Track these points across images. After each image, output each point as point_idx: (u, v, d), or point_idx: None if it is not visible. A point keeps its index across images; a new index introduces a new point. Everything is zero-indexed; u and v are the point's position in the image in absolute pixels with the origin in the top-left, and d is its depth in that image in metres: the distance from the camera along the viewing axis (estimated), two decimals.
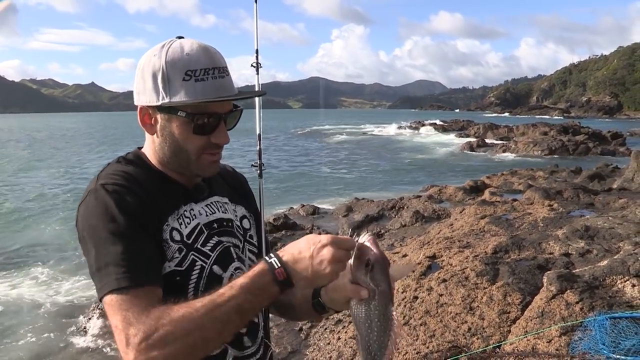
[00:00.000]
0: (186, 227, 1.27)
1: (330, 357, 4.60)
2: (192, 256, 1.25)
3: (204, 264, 1.26)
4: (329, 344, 4.90)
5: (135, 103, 1.28)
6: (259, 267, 1.09)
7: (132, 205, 1.17)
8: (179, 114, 1.22)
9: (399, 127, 58.19)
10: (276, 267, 1.08)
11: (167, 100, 1.21)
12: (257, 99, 1.61)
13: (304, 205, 12.30)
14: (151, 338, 1.00)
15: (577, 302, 3.90)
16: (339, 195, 16.16)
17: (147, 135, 1.32)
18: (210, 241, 1.31)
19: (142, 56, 1.26)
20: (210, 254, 1.29)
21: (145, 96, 1.24)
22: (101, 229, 1.14)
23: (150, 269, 1.14)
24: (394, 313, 1.12)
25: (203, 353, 1.06)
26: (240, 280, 1.08)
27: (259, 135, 1.69)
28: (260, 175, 1.63)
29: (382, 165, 27.04)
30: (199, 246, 1.27)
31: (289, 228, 10.12)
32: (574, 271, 4.60)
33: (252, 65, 1.70)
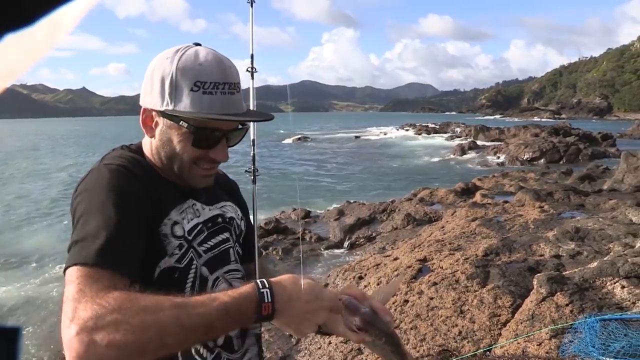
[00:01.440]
0: (189, 222, 1.24)
1: None
2: (191, 254, 1.22)
3: (197, 264, 1.24)
4: (319, 348, 4.87)
5: (140, 103, 1.24)
6: (247, 290, 0.99)
7: (133, 188, 1.12)
8: (180, 123, 1.18)
9: (387, 132, 58.22)
10: (265, 300, 0.98)
11: (170, 107, 1.17)
12: (251, 98, 1.56)
13: (295, 209, 12.25)
14: (102, 319, 0.88)
15: (567, 305, 3.89)
16: (331, 199, 16.14)
17: (146, 136, 1.29)
18: (209, 241, 1.28)
19: (155, 58, 1.23)
20: (203, 255, 1.26)
21: (151, 99, 1.21)
22: (94, 204, 1.07)
23: (127, 259, 1.04)
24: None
25: (149, 356, 0.91)
26: (222, 297, 0.97)
27: (253, 140, 1.64)
28: (254, 182, 1.60)
29: (373, 169, 27.05)
30: (196, 244, 1.24)
31: (281, 232, 10.08)
32: (564, 273, 4.60)
33: (247, 70, 1.66)
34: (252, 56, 1.66)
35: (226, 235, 1.35)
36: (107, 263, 1.00)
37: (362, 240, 9.72)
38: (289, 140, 50.21)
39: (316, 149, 42.91)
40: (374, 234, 9.87)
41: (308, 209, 12.86)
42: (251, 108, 1.56)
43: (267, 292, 0.99)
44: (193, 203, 1.28)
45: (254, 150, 1.64)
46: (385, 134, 55.80)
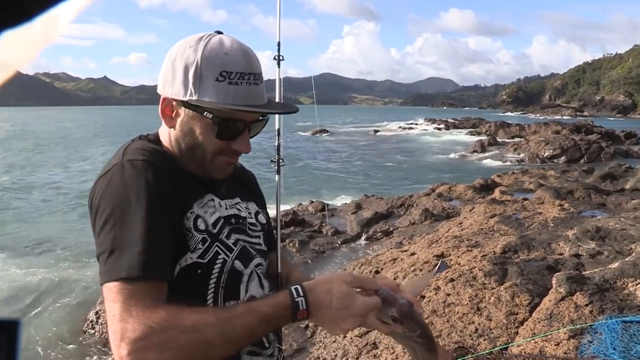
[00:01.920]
0: (211, 215, 1.20)
1: (336, 355, 4.57)
2: (216, 248, 1.18)
3: (226, 258, 1.20)
4: (334, 341, 4.87)
5: (159, 92, 1.20)
6: (283, 300, 1.02)
7: (162, 187, 1.08)
8: (205, 114, 1.15)
9: (407, 127, 57.84)
10: (300, 308, 1.02)
11: (195, 97, 1.14)
12: (277, 94, 1.55)
13: (312, 202, 12.26)
14: (151, 339, 0.91)
15: (586, 305, 3.83)
16: (348, 192, 16.13)
17: (163, 125, 1.25)
18: (233, 235, 1.25)
19: (175, 45, 1.19)
20: (234, 247, 1.23)
21: (173, 88, 1.16)
22: (124, 207, 1.04)
23: (167, 262, 1.06)
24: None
25: None
26: (262, 308, 1.01)
27: (278, 130, 1.64)
28: (279, 172, 1.60)
29: (390, 164, 26.95)
30: (223, 238, 1.21)
31: (298, 224, 10.09)
32: (584, 273, 4.54)
33: (274, 58, 1.65)
34: (278, 44, 1.63)
35: (243, 236, 1.31)
36: (150, 275, 1.00)
37: (379, 234, 9.70)
38: (307, 133, 50.20)
39: (335, 142, 42.84)
40: (391, 229, 9.84)
41: (325, 201, 12.87)
42: (277, 98, 1.57)
43: (301, 300, 1.03)
44: (212, 198, 1.25)
45: (279, 140, 1.64)
46: (404, 129, 55.51)
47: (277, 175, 1.62)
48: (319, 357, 4.79)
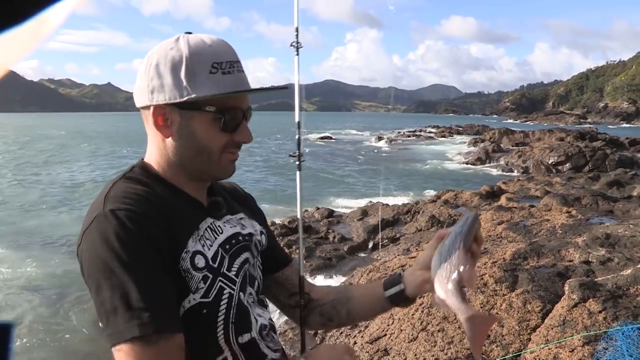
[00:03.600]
0: (209, 248, 1.14)
1: None
2: (220, 283, 1.12)
3: (232, 291, 1.15)
4: None
5: (148, 103, 1.13)
6: None
7: (150, 235, 1.02)
8: (207, 109, 1.11)
9: (409, 134, 57.80)
10: None
11: (193, 95, 1.09)
12: (296, 84, 1.54)
13: (318, 208, 12.27)
14: None
15: (600, 312, 3.82)
16: (353, 198, 16.13)
17: (155, 141, 1.18)
18: (235, 264, 1.19)
19: (150, 53, 1.14)
20: (236, 279, 1.17)
21: (164, 94, 1.10)
22: (114, 264, 0.97)
23: (174, 313, 1.02)
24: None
25: None
26: None
27: (299, 123, 1.57)
28: (300, 168, 1.56)
29: (396, 171, 26.92)
30: (224, 270, 1.15)
31: (304, 231, 10.08)
32: (596, 279, 4.52)
33: (291, 45, 1.56)
34: (297, 29, 1.57)
35: (247, 255, 1.25)
36: (161, 328, 0.96)
37: (385, 241, 9.69)
38: (312, 139, 50.23)
39: (339, 148, 42.85)
40: (397, 235, 9.83)
41: (331, 207, 12.86)
42: (296, 91, 1.56)
43: None
44: (211, 222, 1.19)
45: (299, 134, 1.56)
46: (407, 136, 55.48)
47: (297, 172, 1.57)
48: None
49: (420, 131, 60.25)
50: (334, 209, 12.65)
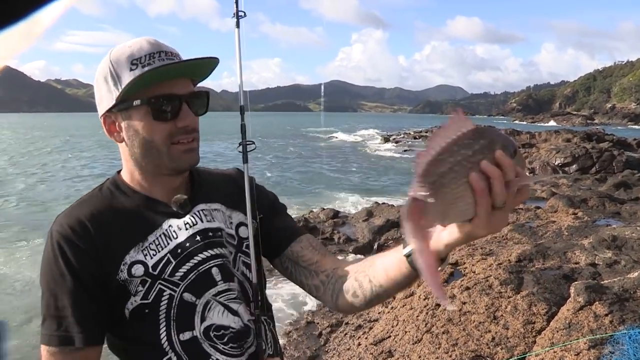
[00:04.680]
0: (152, 257, 1.19)
1: None
2: (160, 286, 1.18)
3: (172, 293, 1.18)
4: (348, 349, 4.85)
5: (99, 116, 1.22)
6: None
7: (74, 259, 1.13)
8: (134, 103, 1.14)
9: (417, 134, 57.69)
10: None
11: (120, 94, 1.14)
12: (237, 62, 1.39)
13: (324, 209, 12.24)
14: None
15: (606, 315, 3.79)
16: (360, 200, 16.09)
17: (120, 150, 1.24)
18: (184, 267, 1.20)
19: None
20: (180, 282, 1.19)
21: (102, 103, 1.19)
22: (43, 279, 1.16)
23: (84, 328, 1.13)
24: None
25: None
26: None
27: (241, 107, 1.41)
28: (245, 159, 1.38)
29: (402, 171, 26.86)
30: (166, 276, 1.19)
31: (309, 232, 10.06)
32: (602, 282, 4.49)
33: (232, 16, 1.41)
34: None
35: (211, 252, 1.24)
36: (66, 342, 1.12)
37: (391, 242, 9.65)
38: (322, 140, 50.26)
39: (347, 148, 42.84)
40: (403, 236, 9.78)
41: (336, 208, 12.84)
42: (237, 61, 1.40)
43: None
44: (168, 227, 1.22)
45: (242, 120, 1.41)
46: (415, 137, 55.38)
47: (244, 165, 1.38)
48: None
49: (427, 132, 60.14)
50: (338, 210, 12.62)
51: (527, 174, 0.88)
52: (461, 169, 0.77)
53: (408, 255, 1.02)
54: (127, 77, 1.13)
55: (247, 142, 1.38)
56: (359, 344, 4.79)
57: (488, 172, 0.76)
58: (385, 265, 1.13)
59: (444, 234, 0.92)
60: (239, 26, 1.40)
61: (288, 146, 43.43)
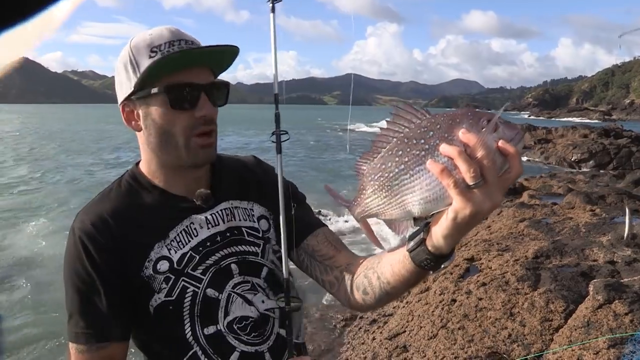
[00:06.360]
0: (177, 252, 1.20)
1: (365, 357, 4.54)
2: (183, 282, 1.19)
3: (196, 289, 1.20)
4: (363, 343, 4.84)
5: (118, 104, 1.21)
6: None
7: (97, 255, 1.14)
8: (152, 91, 1.12)
9: None
10: None
11: (138, 81, 1.14)
12: (272, 48, 1.35)
13: None
14: None
15: (626, 314, 3.73)
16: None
17: (138, 140, 1.23)
18: (205, 263, 1.22)
19: None
20: (203, 277, 1.21)
21: (122, 90, 1.18)
22: (66, 276, 1.17)
23: (109, 325, 1.15)
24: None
25: None
26: None
27: (276, 95, 1.35)
28: (279, 150, 1.33)
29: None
30: (189, 271, 1.20)
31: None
32: (621, 280, 4.42)
33: (268, 0, 1.35)
34: None
35: (231, 249, 1.26)
36: (93, 339, 1.14)
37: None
38: (337, 132, 50.10)
39: (362, 141, 42.70)
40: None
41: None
42: (272, 47, 1.36)
43: None
44: (189, 223, 1.23)
45: (277, 109, 1.35)
46: None
47: (277, 156, 1.32)
48: (347, 359, 4.76)
49: None
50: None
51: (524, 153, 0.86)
52: (413, 159, 0.80)
53: (411, 250, 1.00)
54: (146, 64, 1.12)
55: (281, 132, 1.33)
56: (374, 339, 4.78)
57: (445, 153, 0.77)
58: (391, 261, 1.11)
59: (435, 228, 0.90)
60: (274, 10, 1.34)
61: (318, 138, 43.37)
